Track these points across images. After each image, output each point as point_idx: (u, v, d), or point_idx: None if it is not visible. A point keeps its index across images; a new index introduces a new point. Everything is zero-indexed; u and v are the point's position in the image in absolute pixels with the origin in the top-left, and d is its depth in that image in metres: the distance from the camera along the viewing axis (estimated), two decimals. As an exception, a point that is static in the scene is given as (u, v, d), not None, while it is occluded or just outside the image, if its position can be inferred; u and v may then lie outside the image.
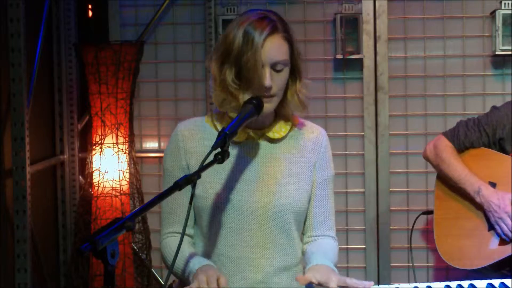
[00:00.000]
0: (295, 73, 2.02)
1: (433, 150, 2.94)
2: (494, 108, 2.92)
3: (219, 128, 2.04)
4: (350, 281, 1.83)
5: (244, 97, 1.96)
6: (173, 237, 2.08)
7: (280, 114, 2.08)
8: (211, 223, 2.03)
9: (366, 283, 1.82)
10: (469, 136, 2.88)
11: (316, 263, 1.96)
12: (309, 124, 2.16)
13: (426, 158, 3.01)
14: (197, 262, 1.94)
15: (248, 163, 2.04)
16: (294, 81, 2.03)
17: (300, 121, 2.15)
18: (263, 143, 2.07)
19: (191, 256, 1.98)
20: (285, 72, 1.98)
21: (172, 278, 2.38)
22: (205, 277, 1.84)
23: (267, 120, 2.06)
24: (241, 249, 2.02)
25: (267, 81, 1.93)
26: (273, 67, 1.95)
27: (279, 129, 2.07)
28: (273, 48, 1.94)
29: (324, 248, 2.07)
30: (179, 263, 1.98)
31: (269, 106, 1.98)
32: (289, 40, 1.99)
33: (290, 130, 2.10)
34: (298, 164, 2.08)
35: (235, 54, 1.95)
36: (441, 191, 2.93)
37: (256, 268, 2.02)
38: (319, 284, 1.88)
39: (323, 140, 2.13)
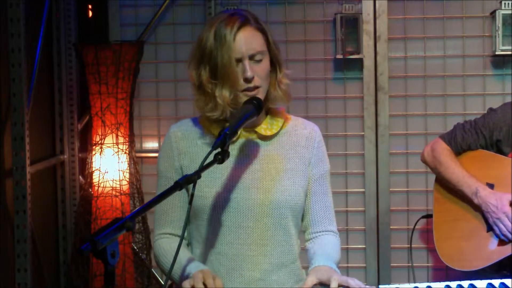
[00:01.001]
0: (274, 64, 2.04)
1: (431, 153, 2.95)
2: (490, 110, 2.92)
3: (212, 128, 2.05)
4: (353, 281, 1.83)
5: (222, 94, 1.97)
6: (165, 238, 2.08)
7: (268, 109, 2.09)
8: (208, 222, 2.03)
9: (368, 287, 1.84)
10: (466, 139, 2.88)
11: (318, 264, 1.97)
12: (301, 120, 2.17)
13: (424, 162, 3.02)
14: (194, 267, 1.94)
15: (242, 161, 2.05)
16: (274, 72, 2.05)
17: (293, 117, 2.16)
18: (256, 141, 2.08)
19: (189, 261, 1.98)
20: (265, 62, 2.00)
21: (172, 278, 2.37)
22: (201, 274, 1.85)
23: (259, 118, 2.06)
24: (238, 247, 2.02)
25: (249, 73, 1.95)
26: (252, 58, 1.97)
27: (271, 126, 2.08)
28: (247, 40, 1.96)
29: (326, 247, 2.08)
30: (176, 269, 1.97)
31: None
32: (263, 30, 2.01)
33: (282, 127, 2.10)
34: (292, 160, 2.08)
35: (208, 54, 1.97)
36: (440, 194, 2.94)
37: (254, 266, 2.02)
38: (321, 282, 1.89)
39: (316, 135, 2.14)
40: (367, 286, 1.84)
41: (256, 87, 1.98)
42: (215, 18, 2.02)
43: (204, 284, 1.84)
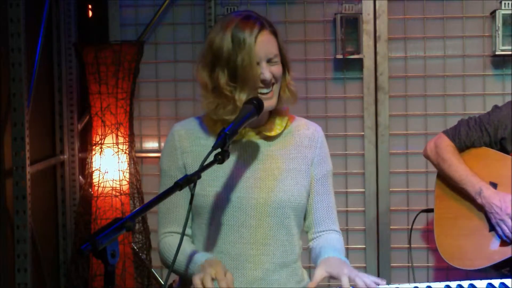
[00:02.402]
0: (284, 66, 2.07)
1: (434, 149, 2.94)
2: (496, 107, 2.91)
3: (216, 128, 2.04)
4: (360, 280, 1.83)
5: (241, 96, 1.98)
6: (171, 236, 2.08)
7: (274, 110, 2.09)
8: (210, 221, 2.03)
9: (379, 280, 1.83)
10: (470, 136, 2.87)
11: (327, 256, 1.98)
12: (304, 120, 2.19)
13: (427, 157, 3.00)
14: (203, 256, 1.94)
15: (246, 161, 2.06)
16: (284, 74, 2.07)
17: (296, 118, 2.18)
18: (260, 141, 2.08)
19: (194, 252, 1.98)
20: (279, 65, 2.03)
21: (172, 278, 2.37)
22: (213, 270, 1.84)
23: (263, 118, 2.07)
24: (241, 246, 2.02)
25: (267, 74, 1.97)
26: (269, 61, 2.00)
27: (275, 127, 2.10)
28: (265, 44, 1.99)
29: (331, 242, 2.09)
30: (182, 261, 1.97)
31: (270, 102, 2.00)
32: (276, 34, 2.04)
33: (285, 127, 2.12)
34: (295, 160, 2.09)
35: (226, 57, 1.97)
36: (441, 190, 2.93)
37: (256, 265, 2.02)
38: (331, 277, 1.89)
39: (319, 136, 2.15)
40: (378, 279, 1.83)
41: (272, 90, 2.00)
42: (227, 20, 2.01)
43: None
